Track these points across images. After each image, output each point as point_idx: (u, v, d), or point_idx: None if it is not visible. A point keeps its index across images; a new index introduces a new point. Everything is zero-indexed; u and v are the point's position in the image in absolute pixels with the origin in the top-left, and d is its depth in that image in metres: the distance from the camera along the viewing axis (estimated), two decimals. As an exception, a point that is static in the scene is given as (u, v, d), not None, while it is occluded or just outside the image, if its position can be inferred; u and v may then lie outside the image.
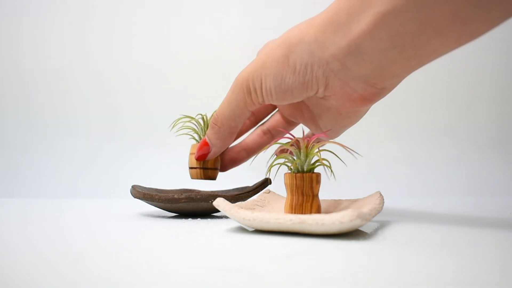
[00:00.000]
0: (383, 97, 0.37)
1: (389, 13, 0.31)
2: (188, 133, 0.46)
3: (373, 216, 0.32)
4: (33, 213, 0.49)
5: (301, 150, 0.35)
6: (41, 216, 0.46)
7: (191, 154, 0.45)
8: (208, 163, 0.44)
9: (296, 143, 0.36)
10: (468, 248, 0.27)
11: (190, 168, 0.45)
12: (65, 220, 0.43)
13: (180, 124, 0.45)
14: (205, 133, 0.45)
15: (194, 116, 0.45)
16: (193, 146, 0.45)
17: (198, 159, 0.43)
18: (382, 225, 0.36)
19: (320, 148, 0.36)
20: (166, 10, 0.79)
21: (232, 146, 0.47)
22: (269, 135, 0.47)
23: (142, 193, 0.42)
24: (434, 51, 0.32)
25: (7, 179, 0.75)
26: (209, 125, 0.44)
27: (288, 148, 0.36)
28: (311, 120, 0.41)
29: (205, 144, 0.42)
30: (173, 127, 0.45)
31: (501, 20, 0.29)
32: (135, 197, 0.43)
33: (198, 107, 0.76)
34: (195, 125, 0.46)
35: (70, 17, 0.78)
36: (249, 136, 0.47)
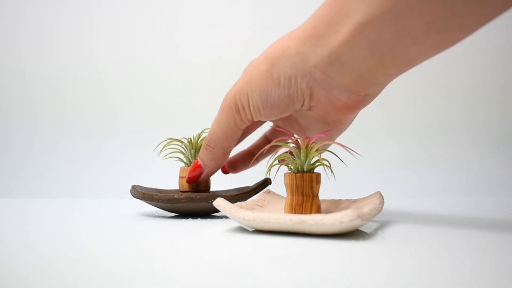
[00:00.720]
0: (367, 104, 0.37)
1: (365, 23, 0.31)
2: (175, 155, 0.45)
3: (373, 216, 0.32)
4: (34, 213, 0.49)
5: (301, 150, 0.35)
6: (41, 216, 0.46)
7: (181, 177, 0.44)
8: (201, 185, 0.44)
9: (296, 143, 0.36)
10: (468, 248, 0.27)
11: (182, 192, 0.44)
12: (65, 220, 0.43)
13: (168, 149, 0.45)
14: (192, 155, 0.45)
15: (180, 139, 0.45)
16: (182, 169, 0.45)
17: (189, 181, 0.43)
18: (382, 225, 0.36)
19: (321, 150, 0.36)
20: (167, 10, 0.79)
21: (242, 150, 0.48)
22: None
23: (142, 193, 0.42)
24: (413, 59, 0.33)
25: (8, 179, 0.75)
26: (201, 146, 0.44)
27: (289, 148, 0.36)
28: (301, 132, 0.42)
29: (198, 166, 0.42)
30: (160, 151, 0.45)
31: (476, 28, 0.30)
32: (135, 197, 0.43)
33: (198, 108, 0.76)
34: (183, 148, 0.45)
35: (70, 17, 0.78)
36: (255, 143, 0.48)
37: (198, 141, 0.45)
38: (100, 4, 0.79)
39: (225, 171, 0.47)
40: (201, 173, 0.42)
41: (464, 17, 0.29)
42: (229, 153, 0.42)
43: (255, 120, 0.39)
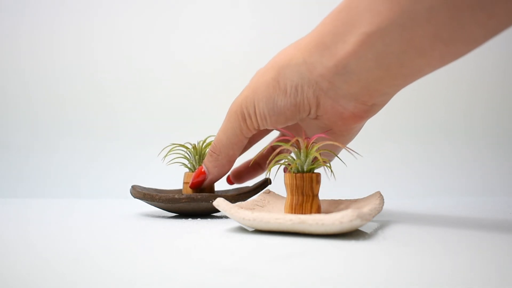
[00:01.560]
0: (374, 114, 0.37)
1: (373, 34, 0.31)
2: (179, 161, 0.45)
3: (373, 216, 0.32)
4: (34, 213, 0.49)
5: (301, 150, 0.35)
6: (41, 216, 0.46)
7: (185, 183, 0.45)
8: (205, 191, 0.44)
9: (296, 143, 0.36)
10: (468, 248, 0.27)
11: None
12: (65, 220, 0.43)
13: (172, 154, 0.45)
14: (196, 161, 0.45)
15: (184, 144, 0.45)
16: (186, 174, 0.45)
17: (193, 187, 0.43)
18: (382, 225, 0.36)
19: (321, 150, 0.36)
20: (167, 11, 0.79)
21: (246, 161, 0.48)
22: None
23: (142, 193, 0.42)
24: (420, 70, 0.33)
25: (8, 179, 0.75)
26: (205, 152, 0.44)
27: (288, 148, 0.36)
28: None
29: (202, 172, 0.42)
30: (164, 156, 0.45)
31: (483, 41, 0.30)
32: (135, 197, 0.43)
33: (199, 109, 0.76)
34: (187, 153, 0.45)
35: (70, 17, 0.78)
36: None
37: (203, 147, 0.45)
38: (100, 4, 0.79)
39: (230, 182, 0.48)
40: (204, 179, 0.42)
41: (471, 29, 0.29)
42: (234, 161, 0.42)
43: (261, 128, 0.38)
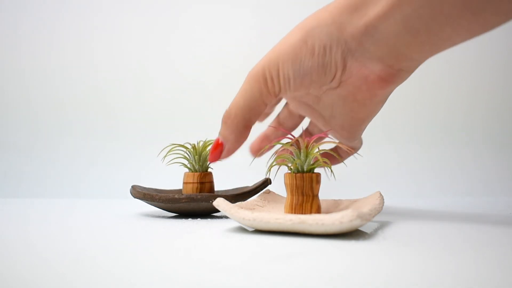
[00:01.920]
0: (400, 81, 0.37)
1: None
2: (178, 161, 0.45)
3: (373, 216, 0.32)
4: (34, 213, 0.49)
5: (301, 150, 0.35)
6: (41, 216, 0.46)
7: (184, 183, 0.44)
8: (205, 190, 0.44)
9: (296, 143, 0.36)
10: (468, 248, 0.27)
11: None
12: (65, 220, 0.43)
13: (172, 155, 0.45)
14: (195, 161, 0.45)
15: (183, 144, 0.45)
16: (186, 174, 0.45)
17: (211, 160, 0.39)
18: (382, 225, 0.36)
19: (320, 148, 0.36)
20: (168, 12, 0.79)
21: None
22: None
23: (142, 193, 0.42)
24: (448, 39, 0.33)
25: (8, 179, 0.75)
26: (205, 151, 0.43)
27: (288, 148, 0.36)
28: (325, 123, 0.41)
29: (219, 144, 0.39)
30: (164, 157, 0.44)
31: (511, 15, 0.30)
32: (135, 197, 0.43)
33: (198, 110, 0.76)
34: (187, 153, 0.45)
35: (71, 17, 0.78)
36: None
37: (202, 146, 0.45)
38: (100, 4, 0.79)
39: (254, 153, 0.47)
40: (222, 150, 0.39)
41: (501, 2, 0.29)
42: (250, 127, 0.38)
43: (282, 93, 0.37)
